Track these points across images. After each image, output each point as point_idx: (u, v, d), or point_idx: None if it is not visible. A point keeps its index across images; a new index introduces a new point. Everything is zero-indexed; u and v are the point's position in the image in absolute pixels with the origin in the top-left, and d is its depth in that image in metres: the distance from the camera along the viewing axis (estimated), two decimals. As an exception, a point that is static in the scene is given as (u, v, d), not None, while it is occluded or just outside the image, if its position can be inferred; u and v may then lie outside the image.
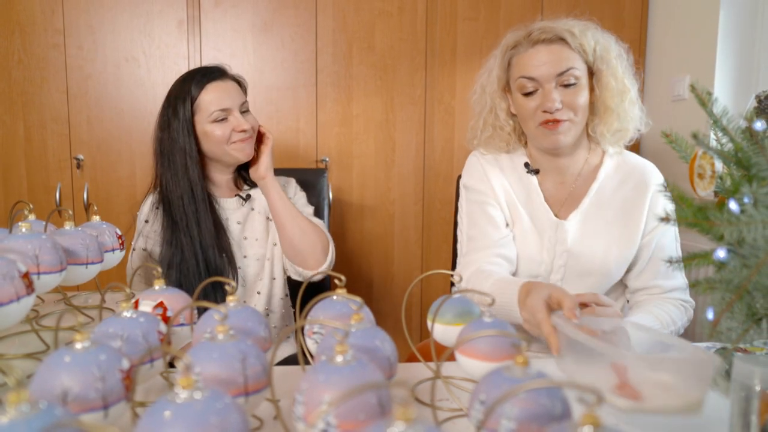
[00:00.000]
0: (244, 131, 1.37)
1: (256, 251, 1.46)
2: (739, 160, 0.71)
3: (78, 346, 0.56)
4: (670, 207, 1.20)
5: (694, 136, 0.72)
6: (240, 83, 1.44)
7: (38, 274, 0.82)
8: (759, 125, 0.68)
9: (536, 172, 1.28)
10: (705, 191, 0.77)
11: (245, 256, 1.45)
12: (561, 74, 1.16)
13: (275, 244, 1.48)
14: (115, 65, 2.19)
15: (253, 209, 1.48)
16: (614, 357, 0.67)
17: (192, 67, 2.21)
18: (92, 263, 0.95)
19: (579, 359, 0.76)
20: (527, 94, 1.20)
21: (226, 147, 1.38)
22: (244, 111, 1.41)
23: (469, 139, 1.36)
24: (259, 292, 1.48)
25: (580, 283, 1.23)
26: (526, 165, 1.29)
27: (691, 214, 0.67)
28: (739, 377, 0.64)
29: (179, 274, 1.36)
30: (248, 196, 1.48)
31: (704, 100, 0.74)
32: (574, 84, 1.16)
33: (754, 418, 0.62)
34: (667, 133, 0.81)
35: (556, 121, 1.17)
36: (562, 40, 1.17)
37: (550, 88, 1.16)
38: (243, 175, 1.50)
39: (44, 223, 1.00)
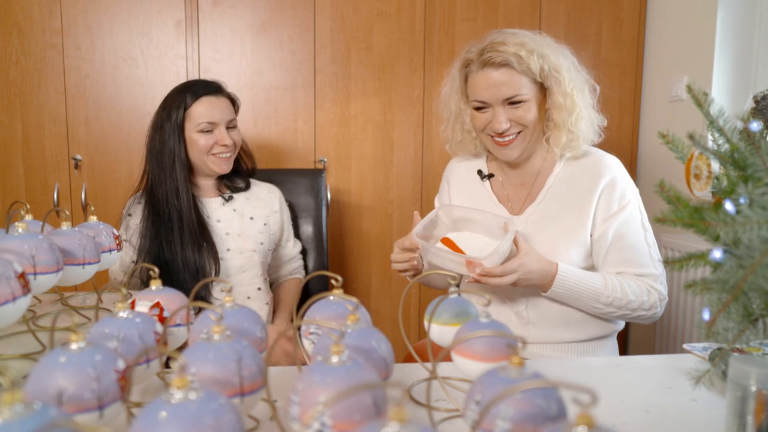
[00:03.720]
0: (225, 146, 1.52)
1: (239, 245, 1.55)
2: (736, 160, 0.71)
3: (73, 346, 0.56)
4: (625, 200, 1.24)
5: (691, 137, 0.72)
6: (233, 102, 1.59)
7: (35, 274, 0.82)
8: (755, 126, 0.68)
9: (490, 176, 1.38)
10: (701, 192, 0.77)
11: (228, 249, 1.53)
12: (507, 98, 1.22)
13: (262, 243, 1.58)
14: (113, 65, 2.19)
15: (234, 210, 1.58)
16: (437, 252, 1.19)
17: (190, 67, 2.21)
18: (89, 263, 0.95)
19: (429, 252, 1.20)
20: (479, 109, 1.27)
21: (206, 157, 1.52)
22: (231, 127, 1.55)
23: (443, 142, 1.46)
24: (259, 288, 1.56)
25: None
26: (479, 172, 1.39)
27: (687, 215, 0.67)
28: (736, 377, 0.64)
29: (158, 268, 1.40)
30: (230, 197, 1.59)
31: (700, 100, 0.74)
32: (521, 103, 1.22)
33: (750, 418, 0.62)
34: (664, 133, 0.81)
35: (504, 137, 1.25)
36: (508, 64, 1.20)
37: (499, 110, 1.23)
38: (225, 182, 1.61)
39: (41, 223, 1.00)
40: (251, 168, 1.68)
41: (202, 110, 1.50)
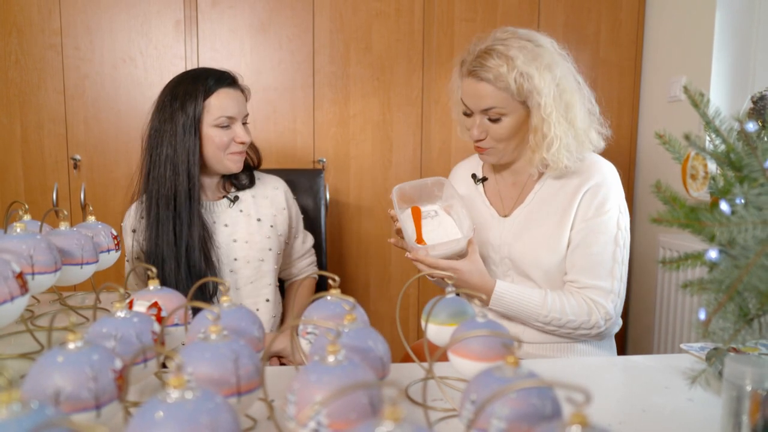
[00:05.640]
0: (242, 143, 1.41)
1: (246, 253, 1.45)
2: (732, 161, 0.71)
3: (71, 346, 0.56)
4: (603, 208, 1.23)
5: (687, 137, 0.72)
6: (245, 95, 1.46)
7: (33, 274, 0.82)
8: (751, 126, 0.68)
9: (483, 180, 1.41)
10: (697, 192, 0.77)
11: (236, 259, 1.44)
12: (485, 110, 1.24)
13: (270, 249, 1.48)
14: (113, 66, 2.19)
15: (241, 211, 1.48)
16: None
17: (189, 67, 2.21)
18: (87, 263, 0.95)
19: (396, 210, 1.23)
20: (465, 114, 1.29)
21: (222, 154, 1.40)
22: (245, 123, 1.44)
23: (456, 124, 1.45)
24: (267, 300, 1.48)
25: (524, 274, 1.29)
26: (473, 176, 1.42)
27: (683, 215, 0.68)
28: (731, 377, 0.64)
29: (160, 274, 1.33)
30: (236, 198, 1.48)
31: (697, 101, 0.74)
32: (497, 119, 1.23)
33: (745, 417, 0.63)
34: (661, 134, 0.82)
35: (479, 147, 1.29)
36: (488, 80, 1.21)
37: (477, 119, 1.26)
38: (230, 178, 1.51)
39: (39, 223, 1.00)
40: (257, 162, 1.56)
41: (221, 103, 1.37)
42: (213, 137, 1.37)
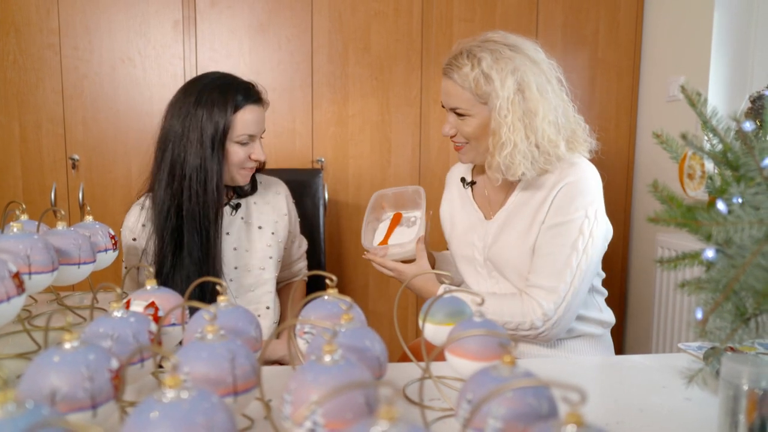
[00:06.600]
0: (257, 161, 1.37)
1: (247, 262, 1.43)
2: (729, 160, 0.71)
3: (67, 345, 0.56)
4: (569, 211, 1.22)
5: (683, 137, 0.72)
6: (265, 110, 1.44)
7: (29, 274, 0.82)
8: (748, 125, 0.68)
9: (472, 183, 1.42)
10: (694, 191, 0.77)
11: (236, 267, 1.42)
12: (451, 108, 1.27)
13: (271, 257, 1.46)
14: (111, 66, 2.19)
15: (242, 218, 1.45)
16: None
17: (188, 67, 2.21)
18: (85, 263, 0.95)
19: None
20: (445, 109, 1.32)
21: (235, 169, 1.36)
22: (260, 138, 1.40)
23: None
24: (268, 307, 1.46)
25: (505, 276, 1.30)
26: (462, 180, 1.43)
27: (680, 215, 0.68)
28: (728, 376, 0.64)
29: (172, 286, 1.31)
30: (237, 205, 1.45)
31: (694, 100, 0.74)
32: (463, 116, 1.25)
33: (742, 416, 0.63)
34: (658, 133, 0.82)
35: (455, 145, 1.31)
36: (452, 78, 1.24)
37: (448, 116, 1.29)
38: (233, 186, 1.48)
39: (37, 223, 1.00)
40: (260, 165, 1.49)
41: (247, 120, 1.32)
42: (233, 153, 1.33)
